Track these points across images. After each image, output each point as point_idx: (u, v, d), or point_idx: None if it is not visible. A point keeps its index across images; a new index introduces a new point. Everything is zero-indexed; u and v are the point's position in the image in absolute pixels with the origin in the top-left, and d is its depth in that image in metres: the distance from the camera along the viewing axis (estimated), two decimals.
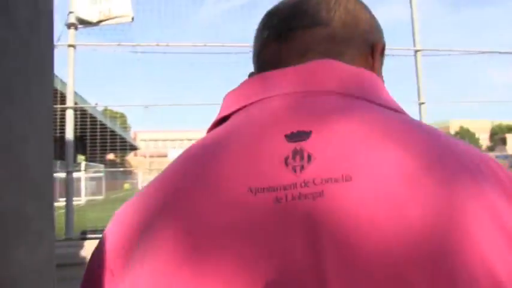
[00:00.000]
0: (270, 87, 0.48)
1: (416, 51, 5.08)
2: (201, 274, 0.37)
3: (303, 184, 0.39)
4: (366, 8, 0.59)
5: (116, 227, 0.45)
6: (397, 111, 0.48)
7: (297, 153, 0.40)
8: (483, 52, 6.93)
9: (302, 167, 0.40)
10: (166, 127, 24.05)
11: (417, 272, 0.35)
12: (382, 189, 0.38)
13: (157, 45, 5.53)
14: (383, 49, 0.58)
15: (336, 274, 0.35)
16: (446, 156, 0.41)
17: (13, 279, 0.30)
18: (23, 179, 0.32)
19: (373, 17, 0.60)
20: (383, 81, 0.56)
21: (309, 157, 0.40)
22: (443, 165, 0.39)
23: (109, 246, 0.44)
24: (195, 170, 0.43)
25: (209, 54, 6.52)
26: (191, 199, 0.41)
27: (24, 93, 0.33)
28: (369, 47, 0.56)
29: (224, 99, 0.52)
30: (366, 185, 0.38)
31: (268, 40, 0.55)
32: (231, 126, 0.47)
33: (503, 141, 57.86)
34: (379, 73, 0.56)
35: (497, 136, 61.19)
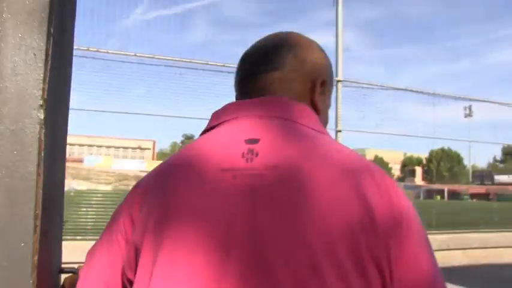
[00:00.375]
0: (240, 111, 0.78)
1: (337, 81, 5.34)
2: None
3: (250, 169, 0.68)
4: (313, 52, 0.85)
5: (135, 188, 0.77)
6: (318, 131, 0.76)
7: (250, 151, 0.70)
8: (398, 89, 7.45)
9: (251, 159, 0.69)
10: (83, 132, 22.98)
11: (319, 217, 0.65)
12: (292, 172, 0.67)
13: (88, 49, 5.31)
14: (323, 83, 0.84)
15: (265, 225, 0.64)
16: (366, 166, 0.72)
17: None
18: None
19: (319, 58, 0.86)
20: (327, 106, 0.87)
21: (257, 154, 0.69)
22: (370, 175, 0.69)
23: (130, 199, 0.76)
24: (189, 155, 0.75)
25: (138, 64, 6.38)
26: (185, 172, 0.72)
27: None
28: (310, 82, 0.83)
29: (212, 115, 0.81)
30: (285, 171, 0.67)
31: (241, 79, 0.86)
32: (215, 133, 0.77)
33: (413, 173, 62.01)
34: (318, 101, 0.82)
35: (407, 167, 65.41)
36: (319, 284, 0.61)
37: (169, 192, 0.70)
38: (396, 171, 63.21)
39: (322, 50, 0.88)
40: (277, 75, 0.81)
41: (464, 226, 9.77)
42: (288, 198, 0.65)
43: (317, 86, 0.82)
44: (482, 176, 50.27)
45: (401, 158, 67.25)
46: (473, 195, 35.20)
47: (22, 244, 0.68)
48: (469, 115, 17.55)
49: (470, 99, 9.47)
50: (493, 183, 43.77)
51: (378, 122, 7.16)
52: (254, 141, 0.71)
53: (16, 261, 0.68)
